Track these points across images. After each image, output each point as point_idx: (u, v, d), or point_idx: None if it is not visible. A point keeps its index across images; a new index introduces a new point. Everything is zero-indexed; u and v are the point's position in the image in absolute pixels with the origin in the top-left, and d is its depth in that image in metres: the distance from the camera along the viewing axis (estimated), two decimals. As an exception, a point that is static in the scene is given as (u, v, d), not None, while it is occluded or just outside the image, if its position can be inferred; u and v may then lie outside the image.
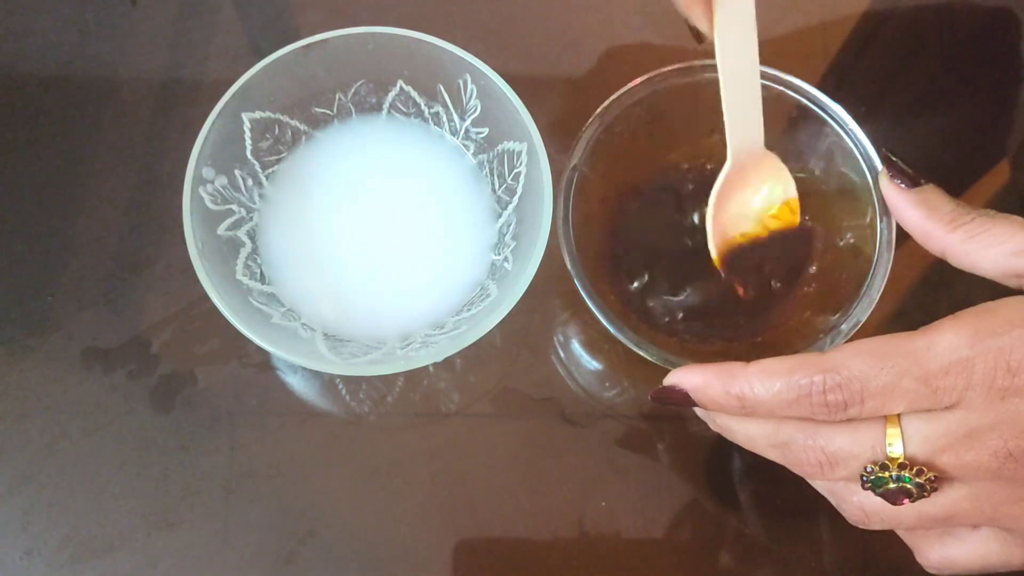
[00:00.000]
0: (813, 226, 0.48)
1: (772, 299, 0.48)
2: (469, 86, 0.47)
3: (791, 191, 0.46)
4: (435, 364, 0.48)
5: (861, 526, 0.37)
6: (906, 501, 0.34)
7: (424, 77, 0.48)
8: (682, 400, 0.38)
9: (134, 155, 0.54)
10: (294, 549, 0.47)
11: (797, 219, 0.46)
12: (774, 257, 0.47)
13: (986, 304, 0.33)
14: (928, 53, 0.59)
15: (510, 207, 0.48)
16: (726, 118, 0.42)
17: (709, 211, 0.45)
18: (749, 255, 0.47)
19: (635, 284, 0.48)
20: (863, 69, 0.59)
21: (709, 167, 0.50)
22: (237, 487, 0.48)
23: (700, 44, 0.41)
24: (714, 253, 0.46)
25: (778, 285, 0.48)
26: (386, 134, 0.51)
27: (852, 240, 0.45)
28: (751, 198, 0.46)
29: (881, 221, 0.43)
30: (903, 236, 0.41)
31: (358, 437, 0.50)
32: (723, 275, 0.46)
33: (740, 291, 0.47)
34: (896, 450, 0.34)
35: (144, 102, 0.55)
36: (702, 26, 0.41)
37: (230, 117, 0.45)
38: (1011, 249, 0.35)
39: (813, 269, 0.48)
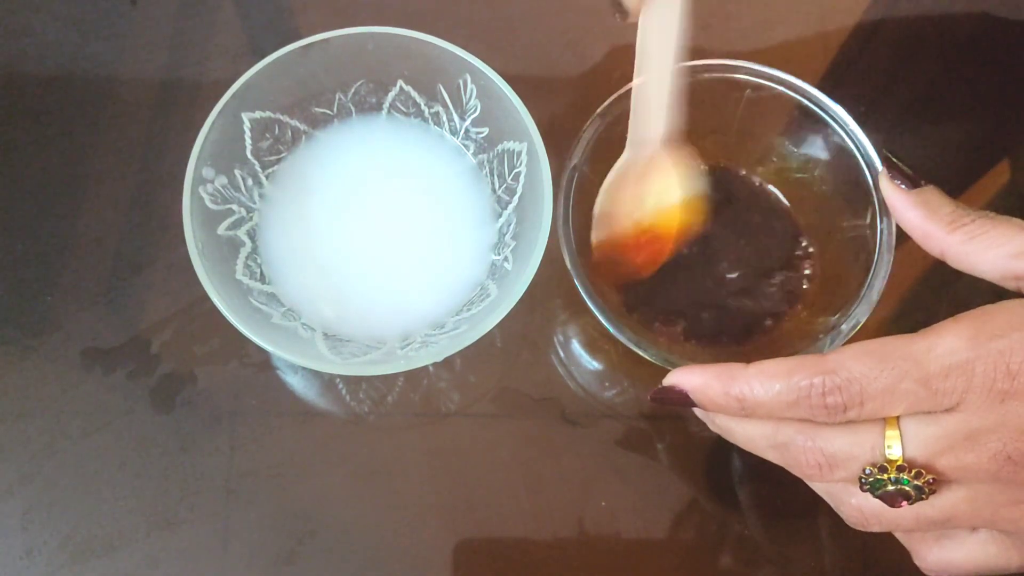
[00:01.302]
0: (799, 233, 0.48)
1: (771, 300, 0.48)
2: (469, 86, 0.47)
3: (685, 190, 0.46)
4: (435, 364, 0.48)
5: (859, 528, 0.37)
6: (904, 503, 0.34)
7: (424, 77, 0.48)
8: (681, 400, 0.38)
9: (134, 155, 0.54)
10: (294, 549, 0.47)
11: (696, 219, 0.46)
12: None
13: (986, 307, 0.33)
14: (928, 53, 0.59)
15: (510, 207, 0.48)
16: (632, 106, 0.42)
17: (598, 199, 0.45)
18: (735, 256, 0.47)
19: (635, 283, 0.48)
20: (863, 69, 0.59)
21: (708, 167, 0.50)
22: (237, 487, 0.48)
23: (623, 21, 0.41)
24: (594, 240, 0.46)
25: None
26: (386, 134, 0.51)
27: (852, 241, 0.45)
28: (645, 192, 0.45)
29: (881, 222, 0.43)
30: (903, 237, 0.41)
31: (358, 437, 0.50)
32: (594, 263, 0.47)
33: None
34: (895, 452, 0.34)
35: (144, 102, 0.55)
36: (629, 2, 0.40)
37: (230, 117, 0.45)
38: (1010, 251, 0.35)
39: (810, 262, 0.48)
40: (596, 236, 0.46)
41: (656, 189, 0.46)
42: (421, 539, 0.48)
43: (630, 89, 0.46)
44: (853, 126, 0.45)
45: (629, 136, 0.43)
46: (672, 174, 0.45)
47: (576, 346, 0.52)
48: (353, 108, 0.51)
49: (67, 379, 0.50)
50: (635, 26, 0.41)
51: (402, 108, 0.51)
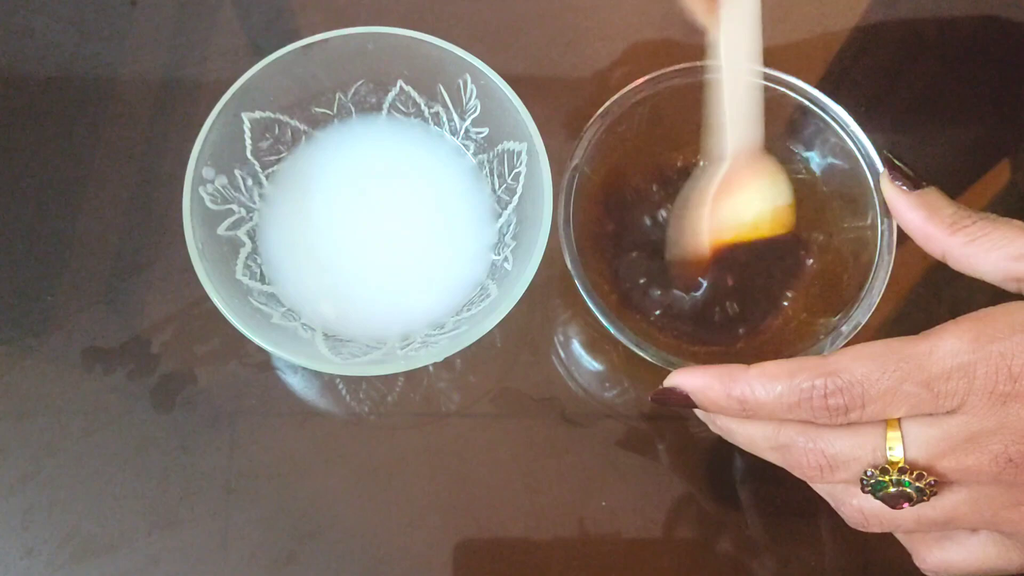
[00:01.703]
0: (800, 234, 0.48)
1: (772, 301, 0.48)
2: (469, 86, 0.47)
3: (786, 197, 0.46)
4: (435, 364, 0.48)
5: (860, 529, 0.37)
6: (906, 505, 0.34)
7: (424, 77, 0.48)
8: (682, 402, 0.38)
9: (134, 155, 0.54)
10: (294, 549, 0.48)
11: (790, 226, 0.46)
12: (764, 259, 0.47)
13: (988, 309, 0.33)
14: (928, 54, 0.59)
15: (510, 207, 0.48)
16: (727, 117, 0.42)
17: (704, 211, 0.45)
18: (736, 256, 0.47)
19: (636, 284, 0.48)
20: (863, 69, 0.59)
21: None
22: (237, 487, 0.48)
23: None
24: (700, 252, 0.45)
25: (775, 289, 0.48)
26: (386, 134, 0.51)
27: (853, 242, 0.45)
28: (745, 201, 0.45)
29: (882, 223, 0.43)
30: (904, 238, 0.41)
31: (358, 437, 0.50)
32: (707, 278, 0.47)
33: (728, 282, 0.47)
34: (896, 454, 0.34)
35: (144, 102, 0.55)
36: (701, 19, 0.40)
37: (230, 117, 0.45)
38: (1011, 253, 0.35)
39: (811, 263, 0.48)
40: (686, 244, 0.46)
41: (757, 196, 0.45)
42: (421, 539, 0.48)
43: (631, 89, 0.46)
44: (854, 127, 0.45)
45: (729, 146, 0.43)
46: (764, 181, 0.45)
47: (576, 346, 0.52)
48: (353, 108, 0.50)
49: (67, 379, 0.50)
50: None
51: (402, 108, 0.50)
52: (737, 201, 0.45)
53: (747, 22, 0.40)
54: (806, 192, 0.49)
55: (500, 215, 0.49)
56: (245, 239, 0.47)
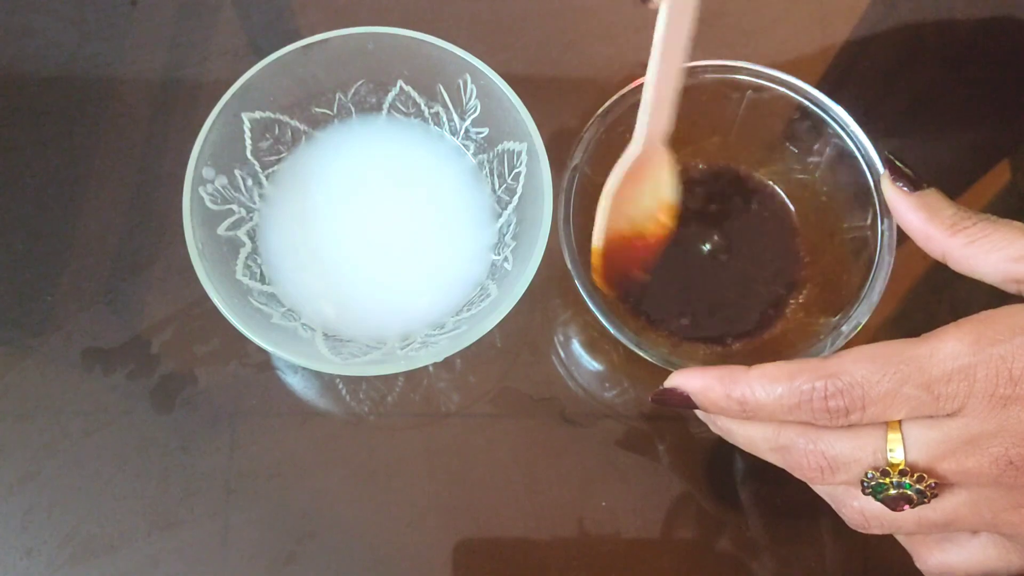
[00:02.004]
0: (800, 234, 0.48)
1: (772, 301, 0.48)
2: (469, 86, 0.47)
3: (677, 193, 0.45)
4: (435, 364, 0.48)
5: (861, 530, 0.37)
6: (906, 507, 0.34)
7: (424, 77, 0.48)
8: (683, 403, 0.38)
9: (134, 155, 0.54)
10: (294, 549, 0.48)
11: (669, 227, 0.45)
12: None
13: (988, 311, 0.33)
14: (928, 54, 0.59)
15: (510, 207, 0.48)
16: (646, 100, 0.41)
17: (609, 195, 0.44)
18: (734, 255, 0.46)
19: (635, 283, 0.48)
20: (863, 69, 0.59)
21: (709, 168, 0.50)
22: (237, 487, 0.48)
23: (643, 4, 0.40)
24: (599, 242, 0.44)
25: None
26: (386, 134, 0.51)
27: (853, 242, 0.45)
28: (647, 192, 0.44)
29: (882, 223, 0.43)
30: (903, 238, 0.41)
31: (358, 437, 0.50)
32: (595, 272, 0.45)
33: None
34: (897, 456, 0.34)
35: (144, 102, 0.55)
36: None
37: (230, 117, 0.45)
38: (1011, 255, 0.35)
39: (810, 263, 0.48)
40: (597, 239, 0.45)
41: (654, 187, 0.45)
42: (421, 539, 0.48)
43: (631, 90, 0.46)
44: (854, 127, 0.45)
45: (639, 131, 0.43)
46: (670, 173, 0.45)
47: (576, 346, 0.52)
48: (353, 108, 0.50)
49: (67, 379, 0.50)
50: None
51: (402, 108, 0.50)
52: (642, 188, 0.44)
53: (687, 11, 0.39)
54: (806, 192, 0.49)
55: (500, 215, 0.49)
56: (245, 239, 0.47)
